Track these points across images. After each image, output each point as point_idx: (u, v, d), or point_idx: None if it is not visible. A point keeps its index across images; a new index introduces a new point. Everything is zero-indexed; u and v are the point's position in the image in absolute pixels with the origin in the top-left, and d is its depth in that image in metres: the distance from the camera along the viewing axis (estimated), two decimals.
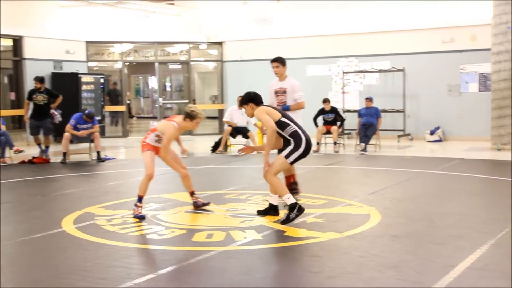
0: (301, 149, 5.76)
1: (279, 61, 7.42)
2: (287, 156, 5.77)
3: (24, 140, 14.81)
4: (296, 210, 5.63)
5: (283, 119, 5.85)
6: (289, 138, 5.81)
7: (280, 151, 6.16)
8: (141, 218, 6.16)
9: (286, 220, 5.63)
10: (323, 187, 8.33)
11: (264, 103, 6.18)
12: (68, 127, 11.58)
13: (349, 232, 5.52)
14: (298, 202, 5.92)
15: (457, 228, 5.65)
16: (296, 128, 5.82)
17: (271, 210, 6.11)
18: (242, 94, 6.20)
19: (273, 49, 17.25)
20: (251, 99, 6.00)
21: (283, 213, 6.34)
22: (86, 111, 11.83)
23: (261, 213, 6.29)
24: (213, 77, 20.85)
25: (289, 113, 6.79)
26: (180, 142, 6.74)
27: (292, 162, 5.82)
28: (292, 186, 7.24)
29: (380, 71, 15.90)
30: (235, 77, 18.13)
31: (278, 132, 5.85)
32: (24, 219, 6.38)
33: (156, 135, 6.41)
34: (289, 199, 5.62)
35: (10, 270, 4.52)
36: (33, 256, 4.93)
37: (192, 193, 6.72)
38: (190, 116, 6.27)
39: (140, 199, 6.29)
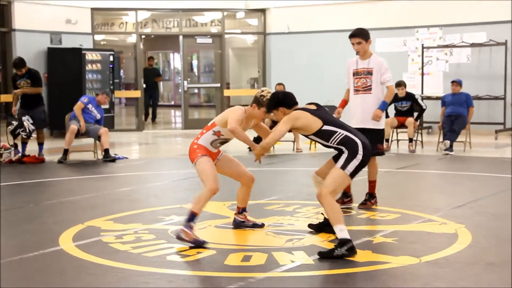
0: (360, 156, 5.62)
1: (361, 36, 7.52)
2: (344, 167, 5.61)
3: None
4: (346, 248, 5.43)
5: (326, 127, 5.68)
6: (340, 147, 5.68)
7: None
8: (201, 244, 5.76)
9: (328, 254, 5.45)
10: (395, 197, 8.26)
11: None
12: (79, 105, 11.86)
13: (429, 256, 5.45)
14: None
15: None
16: (345, 133, 5.68)
17: (327, 226, 6.07)
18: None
19: (330, 18, 17.22)
20: (280, 102, 5.86)
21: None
22: (104, 91, 12.13)
23: (313, 228, 6.28)
24: (253, 54, 20.88)
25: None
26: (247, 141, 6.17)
27: (352, 174, 5.66)
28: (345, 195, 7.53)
29: (472, 45, 15.65)
30: (281, 55, 18.13)
31: (323, 145, 5.81)
32: (12, 234, 6.49)
33: (214, 132, 6.08)
34: (342, 232, 5.50)
35: None
36: (23, 280, 5.02)
37: (243, 210, 6.49)
38: (258, 101, 6.04)
39: (193, 217, 5.85)
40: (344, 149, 5.66)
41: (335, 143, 5.68)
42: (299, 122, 5.70)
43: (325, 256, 5.44)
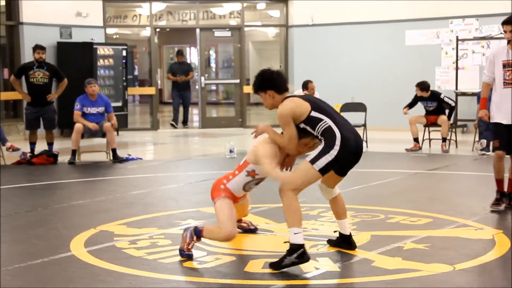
0: (334, 151, 5.31)
1: None
2: (313, 160, 5.35)
3: (21, 133, 15.26)
4: (297, 255, 5.24)
5: (314, 113, 5.41)
6: (320, 137, 5.43)
7: None
8: (188, 256, 5.73)
9: (277, 264, 5.28)
10: (427, 200, 8.24)
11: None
12: (76, 114, 11.81)
13: (464, 264, 5.43)
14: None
15: None
16: (330, 123, 5.39)
17: (344, 242, 5.89)
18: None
19: (357, 9, 17.17)
20: (272, 83, 5.54)
21: (365, 242, 6.29)
22: (86, 82, 11.95)
23: (332, 244, 6.01)
24: (274, 48, 20.90)
25: None
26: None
27: (323, 171, 5.39)
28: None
29: None
30: (304, 48, 18.12)
31: (308, 132, 5.48)
32: (20, 239, 6.56)
33: (248, 173, 5.69)
34: (296, 236, 5.27)
35: None
36: None
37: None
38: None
39: (199, 235, 5.74)
40: (322, 140, 5.40)
41: (319, 133, 5.41)
42: (297, 112, 5.41)
43: (275, 267, 5.26)
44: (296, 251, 5.26)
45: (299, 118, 5.43)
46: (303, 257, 5.26)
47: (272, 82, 5.56)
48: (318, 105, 5.50)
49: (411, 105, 13.24)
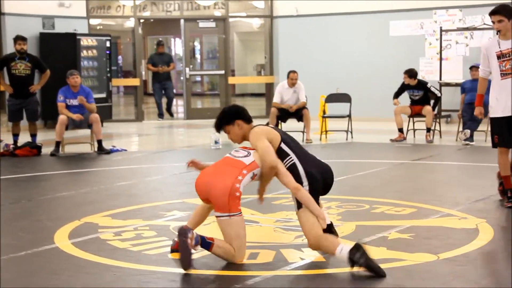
0: (306, 186, 5.43)
1: (504, 13, 7.23)
2: (299, 205, 5.47)
3: (4, 125, 15.18)
4: (360, 252, 4.98)
5: (283, 145, 5.50)
6: None
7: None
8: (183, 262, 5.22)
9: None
10: (411, 190, 8.27)
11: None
12: (60, 106, 11.76)
13: (448, 253, 5.46)
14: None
15: None
16: (295, 160, 5.48)
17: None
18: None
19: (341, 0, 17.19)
20: (237, 115, 5.56)
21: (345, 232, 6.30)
22: (68, 73, 11.85)
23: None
24: (259, 39, 20.90)
25: None
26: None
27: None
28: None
29: None
30: (289, 39, 18.11)
31: None
32: (4, 231, 6.51)
33: (253, 175, 5.42)
34: (342, 251, 5.05)
35: None
36: (16, 281, 5.05)
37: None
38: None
39: (205, 244, 5.25)
40: None
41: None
42: (269, 136, 5.47)
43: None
44: (359, 250, 4.96)
45: (271, 143, 5.46)
46: (359, 252, 4.95)
47: (238, 113, 5.58)
48: (285, 138, 5.57)
49: (398, 94, 13.29)
